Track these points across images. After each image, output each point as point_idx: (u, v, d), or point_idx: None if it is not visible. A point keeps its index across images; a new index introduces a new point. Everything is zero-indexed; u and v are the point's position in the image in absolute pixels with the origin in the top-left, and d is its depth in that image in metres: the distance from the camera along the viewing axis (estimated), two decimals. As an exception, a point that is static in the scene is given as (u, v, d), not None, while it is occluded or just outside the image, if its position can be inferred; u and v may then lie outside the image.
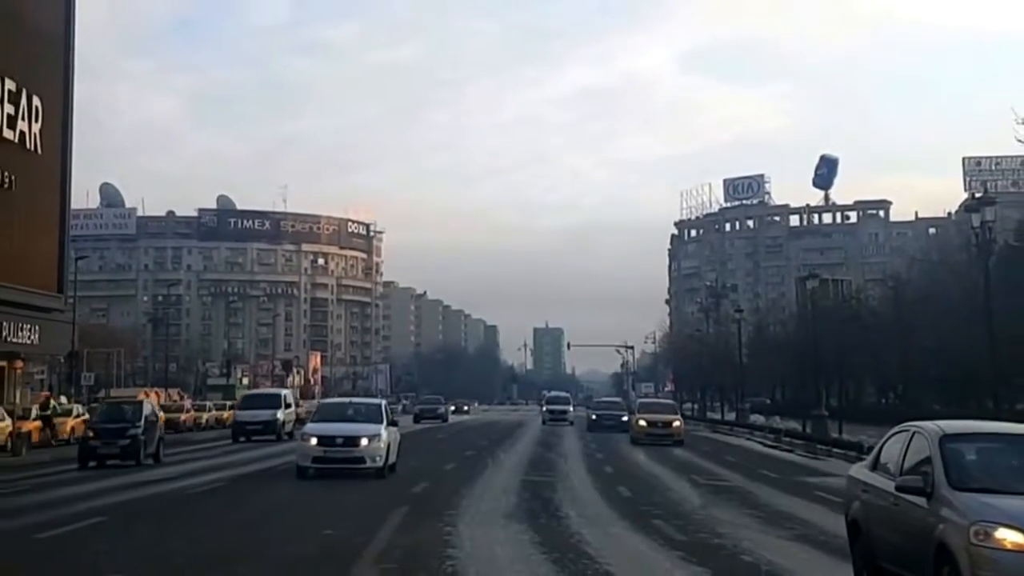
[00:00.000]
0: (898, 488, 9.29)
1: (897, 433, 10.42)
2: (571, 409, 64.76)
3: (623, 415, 51.74)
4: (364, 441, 22.05)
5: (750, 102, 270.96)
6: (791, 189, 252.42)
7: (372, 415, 23.50)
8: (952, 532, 8.28)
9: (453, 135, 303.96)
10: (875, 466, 10.53)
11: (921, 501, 8.90)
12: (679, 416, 43.24)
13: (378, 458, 22.05)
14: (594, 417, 53.92)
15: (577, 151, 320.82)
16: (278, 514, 17.10)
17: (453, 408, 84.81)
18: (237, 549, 13.08)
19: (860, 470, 11.08)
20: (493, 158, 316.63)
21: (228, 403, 62.66)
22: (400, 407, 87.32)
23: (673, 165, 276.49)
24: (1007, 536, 7.93)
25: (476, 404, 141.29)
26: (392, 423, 23.84)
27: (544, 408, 67.30)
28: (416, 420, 64.19)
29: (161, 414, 34.31)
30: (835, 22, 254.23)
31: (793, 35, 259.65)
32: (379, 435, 22.29)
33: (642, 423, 40.73)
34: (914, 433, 9.83)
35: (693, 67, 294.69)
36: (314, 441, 22.24)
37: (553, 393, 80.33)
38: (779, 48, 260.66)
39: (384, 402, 26.21)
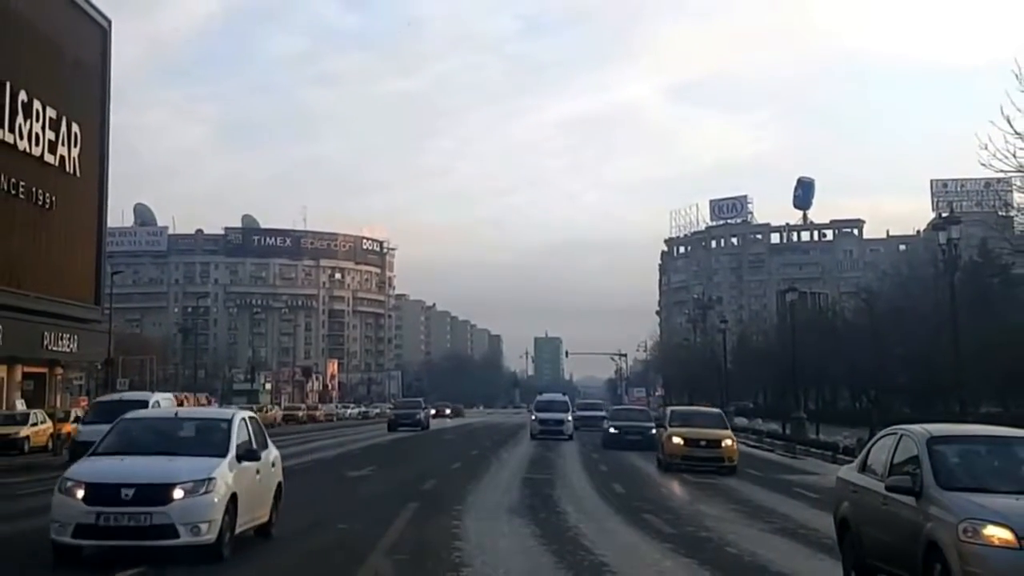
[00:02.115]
0: (888, 488, 9.06)
1: (884, 436, 10.18)
2: (569, 418, 45.53)
3: (651, 428, 35.74)
4: (178, 493, 10.55)
5: (733, 128, 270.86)
6: (772, 209, 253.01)
7: (206, 441, 11.75)
8: (941, 530, 8.07)
9: (457, 159, 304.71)
10: (863, 468, 10.26)
11: (910, 500, 8.68)
12: (730, 431, 28.12)
13: (204, 525, 10.55)
14: (613, 430, 38.32)
15: (572, 174, 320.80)
16: None
17: (434, 412, 71.72)
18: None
19: (849, 471, 10.80)
20: (494, 180, 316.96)
21: (253, 406, 57.61)
22: None
23: (662, 187, 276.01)
24: (995, 533, 7.73)
25: (481, 407, 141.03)
26: (249, 455, 11.84)
27: (533, 416, 47.27)
28: (391, 428, 52.57)
29: None
30: (811, 54, 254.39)
31: (772, 66, 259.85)
32: (211, 480, 10.81)
33: (677, 441, 26.46)
34: (901, 436, 9.59)
35: (679, 96, 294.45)
36: (80, 494, 10.53)
37: (547, 396, 55.34)
38: (759, 78, 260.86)
39: (241, 416, 12.66)
